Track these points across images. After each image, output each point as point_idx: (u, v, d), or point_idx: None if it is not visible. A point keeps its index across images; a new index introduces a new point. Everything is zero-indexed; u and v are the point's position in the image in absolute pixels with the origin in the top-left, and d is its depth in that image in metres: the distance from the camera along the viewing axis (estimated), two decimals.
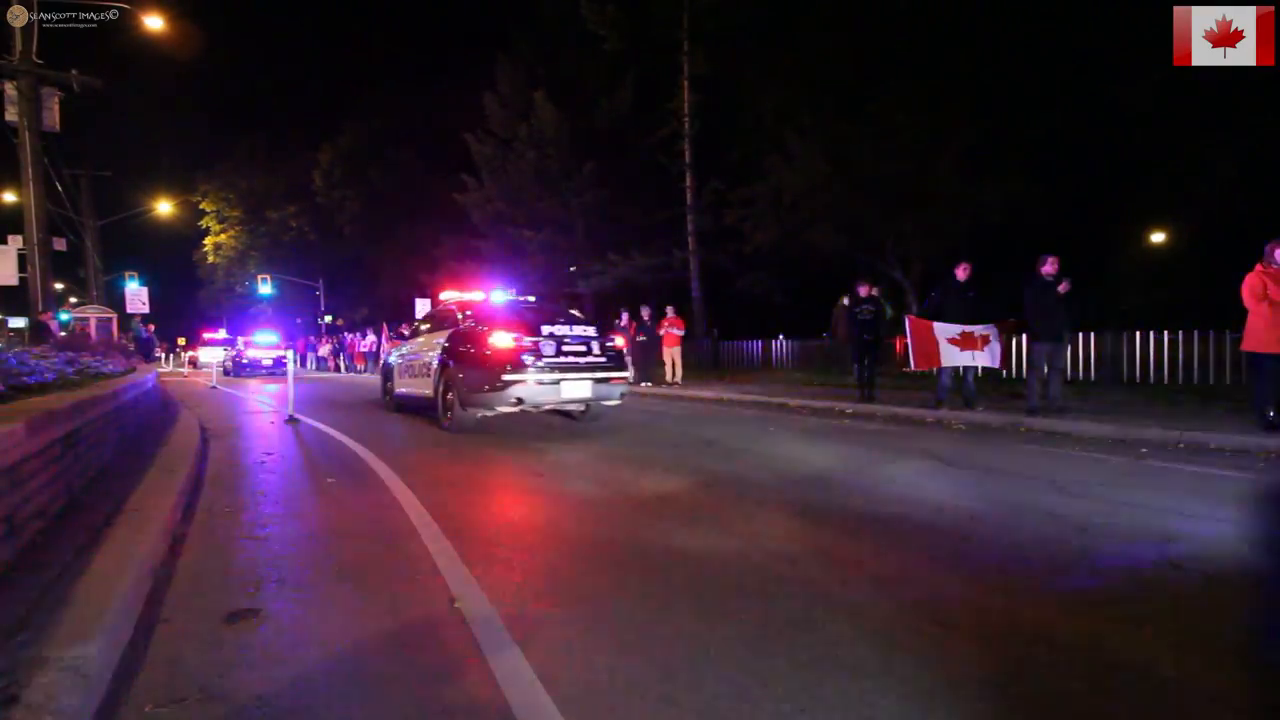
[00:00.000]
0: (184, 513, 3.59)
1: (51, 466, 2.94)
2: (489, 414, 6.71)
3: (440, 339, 7.47)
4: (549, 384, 6.47)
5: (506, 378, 6.29)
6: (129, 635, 2.07)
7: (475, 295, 8.60)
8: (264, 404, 10.98)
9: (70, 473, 3.27)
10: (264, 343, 22.69)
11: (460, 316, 7.62)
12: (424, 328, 8.54)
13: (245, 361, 21.81)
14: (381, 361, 6.05)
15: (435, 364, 7.38)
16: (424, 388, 7.75)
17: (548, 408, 6.77)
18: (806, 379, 12.77)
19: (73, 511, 3.09)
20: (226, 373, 20.95)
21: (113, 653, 1.88)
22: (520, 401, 6.36)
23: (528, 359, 6.42)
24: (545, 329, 6.74)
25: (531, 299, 8.50)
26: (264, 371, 21.63)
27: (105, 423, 4.25)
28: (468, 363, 6.77)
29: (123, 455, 4.71)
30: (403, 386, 8.58)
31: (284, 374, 11.19)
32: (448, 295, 9.67)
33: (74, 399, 3.53)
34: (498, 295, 8.13)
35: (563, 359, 6.64)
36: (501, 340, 6.50)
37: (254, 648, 2.04)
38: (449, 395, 7.00)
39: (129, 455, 4.74)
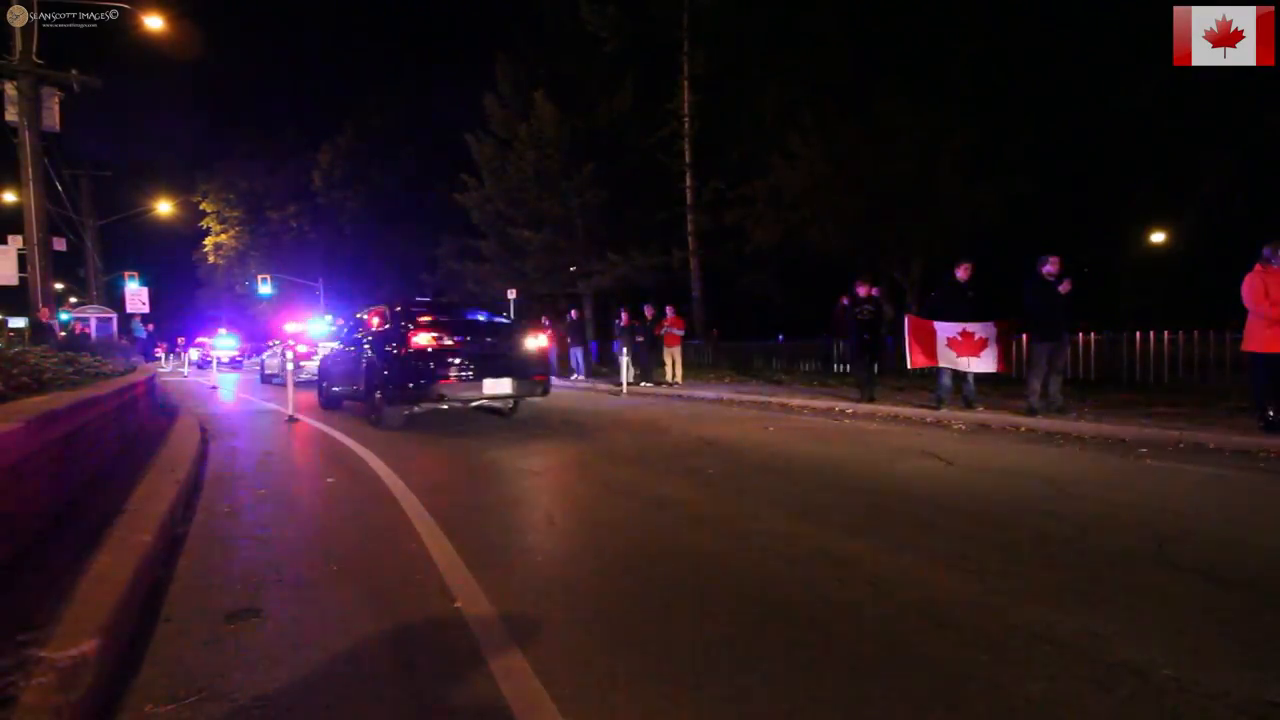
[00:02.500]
0: (184, 513, 3.59)
1: (51, 466, 2.94)
2: (302, 379, 12.88)
3: (281, 346, 15.20)
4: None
5: (303, 363, 13.33)
6: (129, 635, 2.07)
7: (299, 326, 18.70)
8: (261, 403, 10.98)
9: (70, 473, 3.27)
10: (223, 345, 30.42)
11: (291, 338, 16.07)
12: (282, 343, 16.63)
13: (209, 359, 27.44)
14: (261, 362, 15.37)
15: (279, 359, 14.23)
16: (277, 370, 14.92)
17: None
18: (807, 379, 12.77)
19: (73, 511, 3.09)
20: (201, 367, 27.35)
21: (112, 653, 1.88)
22: (311, 373, 12.93)
23: (313, 355, 13.68)
24: (322, 344, 13.22)
25: (332, 328, 15.74)
26: (223, 366, 27.93)
27: (105, 423, 4.25)
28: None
29: (123, 455, 4.71)
30: (267, 371, 16.52)
31: (239, 368, 21.71)
32: (289, 326, 20.16)
33: (74, 399, 3.53)
34: (312, 326, 17.55)
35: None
36: (303, 348, 14.10)
37: (254, 648, 2.04)
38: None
39: (129, 455, 4.74)
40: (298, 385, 12.18)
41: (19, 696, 1.48)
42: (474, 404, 7.43)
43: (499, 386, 7.03)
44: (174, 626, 2.20)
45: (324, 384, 9.85)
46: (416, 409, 7.24)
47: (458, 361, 6.93)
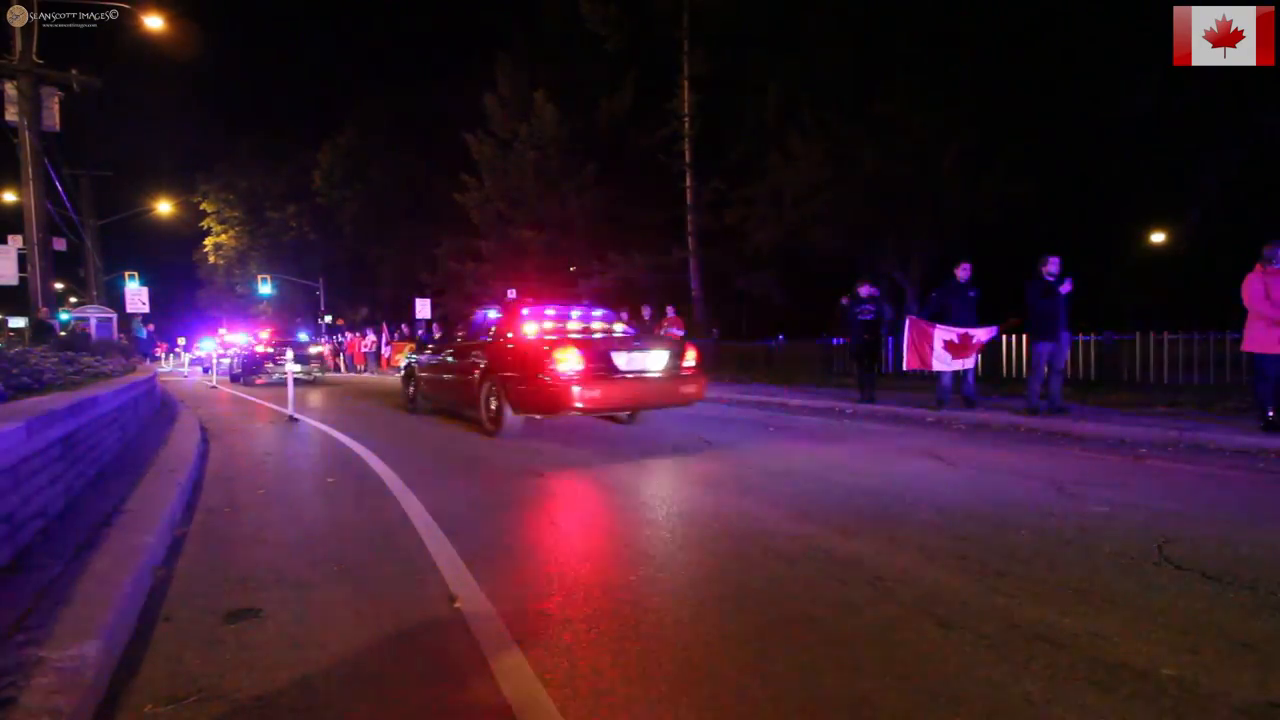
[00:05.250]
0: (184, 513, 3.59)
1: (51, 466, 2.94)
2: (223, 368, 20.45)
3: (235, 351, 19.92)
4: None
5: (222, 359, 19.78)
6: (129, 635, 2.07)
7: (225, 336, 25.06)
8: (260, 403, 10.98)
9: (70, 473, 3.27)
10: (206, 347, 32.94)
11: (221, 345, 22.69)
12: (233, 350, 21.70)
13: (193, 359, 30.24)
14: (215, 361, 19.01)
15: (237, 361, 19.74)
16: (233, 368, 20.03)
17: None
18: (807, 379, 12.77)
19: (73, 511, 3.09)
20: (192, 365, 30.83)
21: (112, 653, 1.88)
22: (226, 365, 19.97)
23: (228, 354, 19.79)
24: (234, 346, 18.98)
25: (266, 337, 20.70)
26: (205, 366, 30.99)
27: (105, 423, 4.25)
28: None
29: (123, 455, 4.71)
30: (204, 366, 22.02)
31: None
32: (222, 335, 25.70)
33: (74, 399, 3.53)
34: (234, 336, 22.78)
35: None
36: (220, 350, 20.89)
37: (254, 648, 2.04)
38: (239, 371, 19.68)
39: (129, 455, 4.74)
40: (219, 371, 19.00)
41: (19, 697, 1.48)
42: (292, 376, 13.30)
43: (295, 367, 13.56)
44: (174, 626, 2.20)
45: (232, 368, 18.12)
46: (263, 379, 15.58)
47: (274, 357, 15.33)
